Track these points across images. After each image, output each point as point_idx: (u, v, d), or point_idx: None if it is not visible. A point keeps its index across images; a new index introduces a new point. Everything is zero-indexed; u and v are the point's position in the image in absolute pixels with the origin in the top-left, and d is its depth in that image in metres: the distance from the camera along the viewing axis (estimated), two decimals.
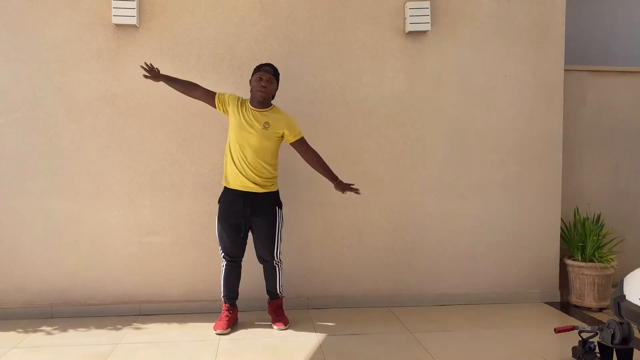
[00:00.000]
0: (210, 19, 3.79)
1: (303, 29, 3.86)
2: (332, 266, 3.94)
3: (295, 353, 3.07)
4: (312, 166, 3.45)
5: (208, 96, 3.42)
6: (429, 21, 3.84)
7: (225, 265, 3.46)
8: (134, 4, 3.61)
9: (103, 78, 3.72)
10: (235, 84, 3.79)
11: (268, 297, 3.57)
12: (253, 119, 3.30)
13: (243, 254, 3.47)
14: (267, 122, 3.31)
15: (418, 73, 3.97)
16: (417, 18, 3.82)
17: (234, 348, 3.15)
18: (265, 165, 3.33)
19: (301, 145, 3.42)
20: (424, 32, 3.93)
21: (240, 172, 3.30)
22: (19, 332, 3.42)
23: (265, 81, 3.29)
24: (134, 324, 3.57)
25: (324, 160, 3.45)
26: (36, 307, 3.71)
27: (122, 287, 3.78)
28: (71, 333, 3.40)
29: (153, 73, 3.34)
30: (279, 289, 3.52)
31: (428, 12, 3.82)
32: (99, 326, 3.51)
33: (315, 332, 3.42)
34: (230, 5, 3.80)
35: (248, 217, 3.34)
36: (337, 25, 3.89)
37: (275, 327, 3.46)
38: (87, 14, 3.69)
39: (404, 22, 3.91)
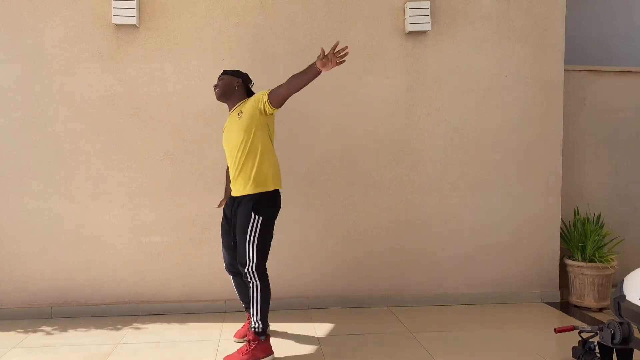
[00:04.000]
0: (210, 19, 3.79)
1: (303, 29, 3.86)
2: (332, 266, 3.94)
3: (296, 353, 3.07)
4: (295, 89, 2.82)
5: None
6: (429, 21, 3.84)
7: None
8: (134, 4, 3.61)
9: (103, 78, 3.72)
10: None
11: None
12: (230, 119, 3.07)
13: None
14: (240, 112, 2.99)
15: (418, 73, 3.97)
16: (417, 18, 3.82)
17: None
18: (247, 162, 2.93)
19: (276, 92, 2.86)
20: (424, 32, 3.93)
21: (233, 177, 3.04)
22: (19, 332, 3.42)
23: (216, 82, 3.11)
24: (134, 324, 3.57)
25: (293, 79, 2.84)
26: (36, 307, 3.71)
27: (122, 287, 3.78)
28: (71, 333, 3.40)
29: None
30: (255, 320, 2.94)
31: (428, 12, 3.83)
32: (99, 326, 3.51)
33: (315, 332, 3.42)
34: (230, 5, 3.80)
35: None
36: (337, 26, 3.89)
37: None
38: (87, 14, 3.70)
39: (404, 22, 3.91)
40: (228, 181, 3.24)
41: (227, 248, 3.15)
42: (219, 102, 3.30)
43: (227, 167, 3.16)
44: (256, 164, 2.93)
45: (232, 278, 3.22)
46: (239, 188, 2.98)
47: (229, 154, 3.03)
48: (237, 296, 3.29)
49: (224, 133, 3.09)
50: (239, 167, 2.96)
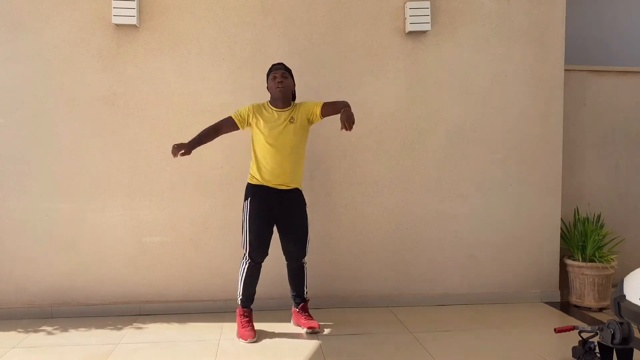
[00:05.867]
0: (210, 19, 3.79)
1: (303, 29, 3.86)
2: (332, 266, 3.94)
3: (295, 353, 3.07)
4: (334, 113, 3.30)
5: (230, 125, 3.37)
6: (429, 21, 3.84)
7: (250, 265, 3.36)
8: (134, 4, 3.61)
9: (103, 78, 3.72)
10: (235, 84, 3.79)
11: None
12: (277, 117, 3.30)
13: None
14: (291, 117, 3.31)
15: (418, 73, 3.97)
16: (417, 18, 3.82)
17: (234, 348, 3.15)
18: (298, 160, 3.36)
19: (327, 109, 3.28)
20: (424, 32, 3.93)
21: (275, 170, 3.29)
22: (19, 332, 3.42)
23: (280, 76, 3.29)
24: (134, 324, 3.57)
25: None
26: (36, 307, 3.71)
27: (122, 287, 3.78)
28: (71, 333, 3.40)
29: (183, 148, 3.21)
30: (307, 292, 3.60)
31: (428, 12, 3.82)
32: (99, 326, 3.51)
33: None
34: (230, 5, 3.80)
35: (278, 214, 3.35)
36: (337, 26, 3.89)
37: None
38: (87, 14, 3.70)
39: (404, 22, 3.91)
40: (202, 136, 3.33)
41: (266, 237, 3.34)
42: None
43: (209, 128, 3.35)
44: (302, 164, 3.42)
45: (254, 266, 3.33)
46: (292, 181, 3.35)
47: (279, 151, 3.27)
48: (253, 285, 3.38)
49: (268, 128, 3.27)
50: (296, 165, 3.35)
